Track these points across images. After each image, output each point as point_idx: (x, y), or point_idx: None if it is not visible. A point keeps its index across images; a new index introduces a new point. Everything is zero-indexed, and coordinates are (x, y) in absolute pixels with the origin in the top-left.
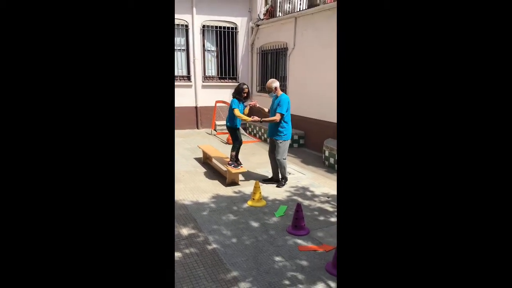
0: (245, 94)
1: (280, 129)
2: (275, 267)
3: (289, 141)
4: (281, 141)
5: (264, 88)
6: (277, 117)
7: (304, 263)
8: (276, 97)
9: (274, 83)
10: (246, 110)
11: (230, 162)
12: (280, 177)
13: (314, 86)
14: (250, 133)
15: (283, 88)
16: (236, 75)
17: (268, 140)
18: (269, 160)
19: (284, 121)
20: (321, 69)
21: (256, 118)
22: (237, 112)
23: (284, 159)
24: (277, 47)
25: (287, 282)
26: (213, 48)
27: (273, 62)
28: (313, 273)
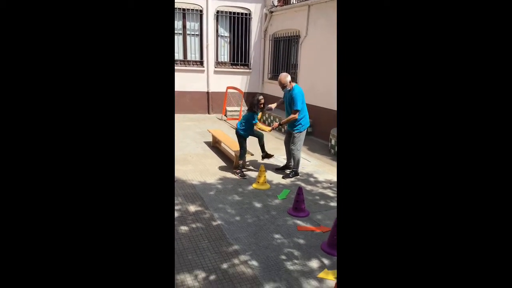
0: (262, 105)
1: (296, 121)
2: (274, 243)
3: (305, 131)
4: (297, 132)
5: (275, 76)
6: (295, 115)
7: (301, 241)
8: (289, 91)
9: (288, 77)
10: (259, 116)
11: (238, 171)
12: (291, 166)
13: (324, 75)
14: (259, 120)
15: (294, 76)
16: (248, 62)
17: (283, 130)
18: (284, 147)
19: (301, 113)
20: (332, 58)
21: (275, 125)
22: (259, 125)
23: (298, 150)
24: (289, 35)
25: (283, 257)
26: (226, 34)
27: (285, 49)
28: (309, 251)
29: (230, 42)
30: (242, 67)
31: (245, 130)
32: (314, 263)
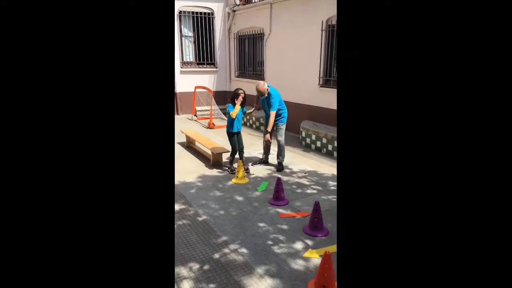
0: (242, 100)
1: (278, 116)
2: (259, 231)
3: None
4: (281, 124)
5: (243, 73)
6: (272, 116)
7: (285, 227)
8: (266, 96)
9: (265, 85)
10: (248, 113)
11: (228, 166)
12: (279, 160)
13: (290, 70)
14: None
15: (261, 73)
16: (214, 61)
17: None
18: (263, 144)
19: (280, 108)
20: (297, 54)
21: (252, 109)
22: (232, 114)
23: (283, 140)
24: (254, 33)
25: (270, 242)
26: (190, 34)
27: (250, 47)
28: (293, 235)
29: (194, 41)
30: (208, 66)
31: (228, 126)
32: (298, 245)
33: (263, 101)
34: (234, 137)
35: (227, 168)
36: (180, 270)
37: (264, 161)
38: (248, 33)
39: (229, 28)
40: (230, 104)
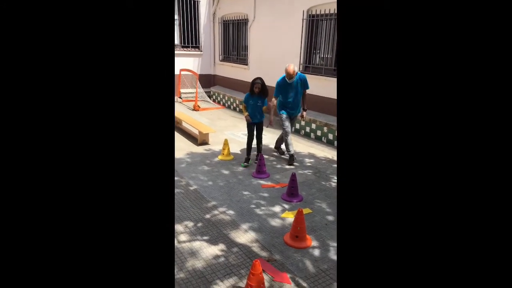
0: (257, 90)
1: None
2: (244, 198)
3: None
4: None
5: (227, 57)
6: (305, 94)
7: (266, 195)
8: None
9: (296, 68)
10: (265, 108)
11: (245, 158)
12: (290, 152)
13: (273, 56)
14: (214, 100)
15: (245, 58)
16: (199, 44)
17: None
18: (289, 142)
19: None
20: (279, 41)
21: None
22: (243, 107)
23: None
24: (238, 18)
25: (253, 206)
26: (176, 17)
27: (235, 32)
28: (272, 200)
29: (179, 24)
30: (193, 49)
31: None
32: (277, 208)
33: (286, 86)
34: (250, 127)
35: (245, 159)
36: (177, 227)
37: (294, 156)
38: (233, 18)
39: (214, 13)
40: (247, 94)
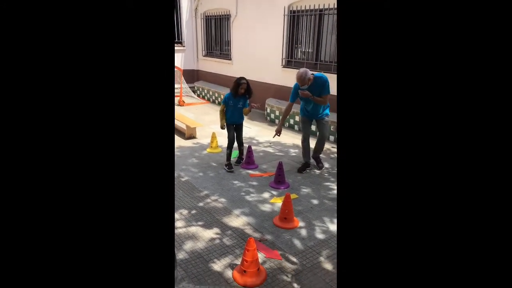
0: (243, 90)
1: (327, 108)
2: (234, 187)
3: None
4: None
5: (210, 52)
6: (326, 100)
7: (255, 183)
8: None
9: (307, 74)
10: (246, 110)
11: (226, 163)
12: (317, 158)
13: (255, 52)
14: (198, 96)
15: (228, 53)
16: (181, 39)
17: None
18: (303, 147)
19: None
20: (262, 36)
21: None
22: (220, 109)
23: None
24: (220, 14)
25: (243, 193)
26: None
27: (217, 28)
28: (261, 188)
29: None
30: (176, 44)
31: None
32: (266, 195)
33: (308, 90)
34: (229, 128)
35: (225, 167)
36: None
37: (308, 165)
38: (215, 14)
39: (196, 8)
40: (227, 94)
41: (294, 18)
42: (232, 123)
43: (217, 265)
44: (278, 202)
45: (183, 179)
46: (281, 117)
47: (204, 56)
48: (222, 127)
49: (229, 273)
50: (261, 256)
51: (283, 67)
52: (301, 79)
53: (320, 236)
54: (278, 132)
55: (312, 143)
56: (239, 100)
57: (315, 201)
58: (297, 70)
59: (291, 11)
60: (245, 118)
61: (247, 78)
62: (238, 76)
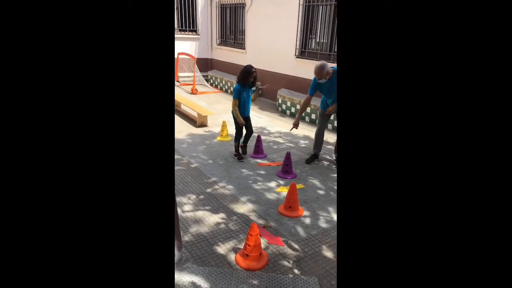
0: (252, 79)
1: None
2: (242, 175)
3: None
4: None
5: (225, 41)
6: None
7: (262, 172)
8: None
9: (325, 68)
10: (254, 96)
11: (235, 153)
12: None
13: (269, 41)
14: (211, 84)
15: (242, 42)
16: (196, 28)
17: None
18: (316, 139)
19: None
20: (276, 26)
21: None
22: (234, 105)
23: None
24: (235, 2)
25: (251, 181)
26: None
27: (232, 16)
28: (268, 177)
29: (177, 8)
30: (190, 33)
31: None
32: (272, 184)
33: (320, 86)
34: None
35: (234, 155)
36: (181, 199)
37: (316, 156)
38: (230, 3)
39: None
40: (237, 86)
41: (310, 8)
42: (245, 116)
43: (221, 248)
44: (284, 191)
45: (192, 166)
46: (299, 110)
47: (218, 45)
48: (242, 124)
49: (232, 256)
50: (264, 242)
51: (297, 57)
52: (318, 72)
53: (323, 225)
54: (296, 125)
55: (328, 137)
56: (248, 90)
57: (321, 192)
58: (310, 60)
59: (306, 0)
60: (256, 108)
61: (259, 68)
62: (256, 67)
